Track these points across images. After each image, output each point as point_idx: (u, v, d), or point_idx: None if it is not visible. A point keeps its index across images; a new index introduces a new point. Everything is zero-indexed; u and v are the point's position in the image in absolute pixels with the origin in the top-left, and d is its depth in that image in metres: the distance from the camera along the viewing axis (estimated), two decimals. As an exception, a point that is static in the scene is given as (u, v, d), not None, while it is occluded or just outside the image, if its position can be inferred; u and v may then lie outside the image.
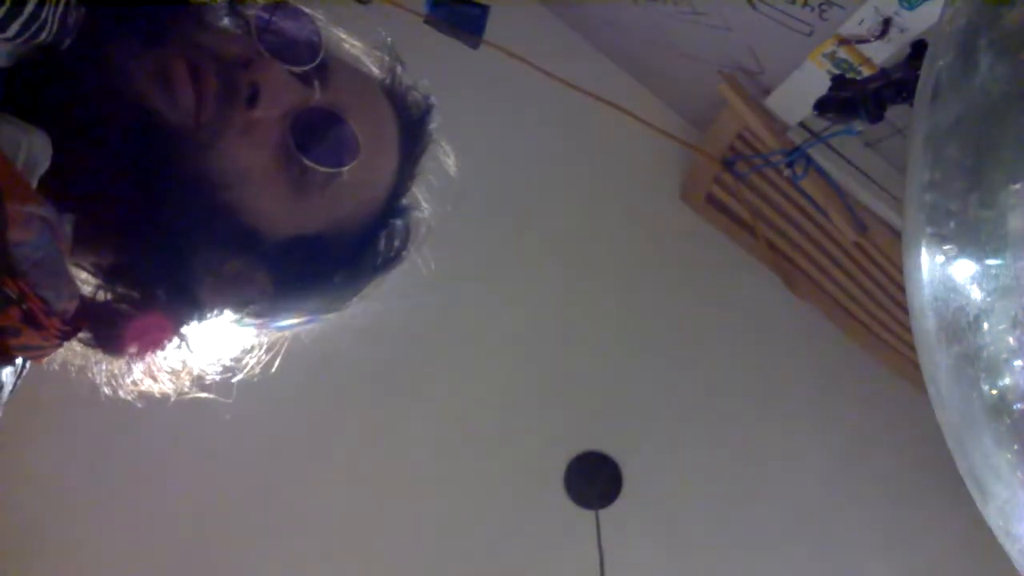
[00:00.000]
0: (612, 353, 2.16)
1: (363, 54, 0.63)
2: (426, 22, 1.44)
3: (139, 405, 0.61)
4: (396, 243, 0.64)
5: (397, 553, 2.14)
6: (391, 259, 0.64)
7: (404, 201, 0.65)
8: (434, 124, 0.66)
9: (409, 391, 2.09)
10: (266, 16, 0.55)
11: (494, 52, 1.51)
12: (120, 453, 1.99)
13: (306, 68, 0.54)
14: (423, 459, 2.13)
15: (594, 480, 2.13)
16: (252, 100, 0.51)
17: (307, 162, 0.53)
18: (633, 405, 2.16)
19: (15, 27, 0.44)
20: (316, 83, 0.54)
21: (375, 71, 0.63)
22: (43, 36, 0.46)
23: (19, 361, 0.47)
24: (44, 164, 0.45)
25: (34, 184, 0.45)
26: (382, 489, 2.14)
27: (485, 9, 1.47)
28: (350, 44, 0.62)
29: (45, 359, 0.50)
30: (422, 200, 0.67)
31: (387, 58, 0.64)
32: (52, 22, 0.46)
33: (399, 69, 0.64)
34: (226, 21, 0.58)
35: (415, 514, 2.13)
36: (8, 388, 0.47)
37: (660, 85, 2.04)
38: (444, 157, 0.68)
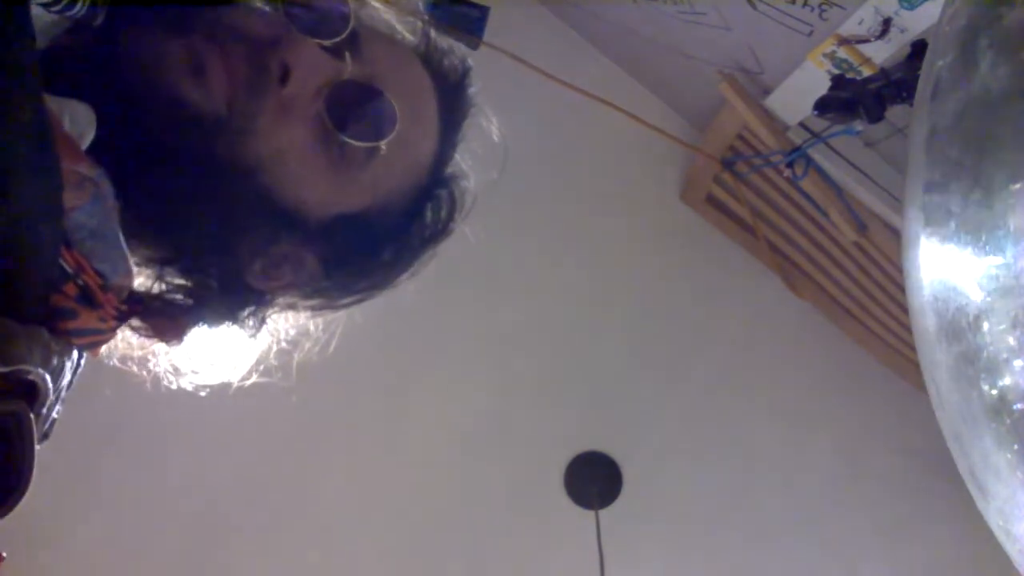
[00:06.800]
0: (612, 353, 2.16)
1: (395, 20, 0.61)
2: (426, 22, 1.43)
3: (202, 394, 0.60)
4: (443, 214, 0.63)
5: (396, 552, 2.14)
6: (439, 231, 0.63)
7: (448, 170, 0.63)
8: (473, 88, 0.64)
9: (409, 390, 2.09)
10: None
11: (494, 52, 1.51)
12: (117, 445, 1.99)
13: (337, 41, 0.52)
14: (423, 458, 2.13)
15: (594, 480, 2.13)
16: (284, 79, 0.49)
17: (345, 138, 0.51)
18: (633, 405, 2.16)
19: None
20: (348, 55, 0.52)
21: (408, 37, 0.61)
22: (78, 6, 0.44)
23: (75, 356, 0.45)
24: (90, 134, 0.43)
25: None
26: (381, 488, 2.14)
27: (485, 10, 1.46)
28: (381, 11, 0.60)
29: (102, 349, 0.49)
30: (466, 168, 0.65)
31: (419, 23, 0.62)
32: None
33: (433, 34, 0.62)
34: None
35: (415, 514, 2.13)
36: (66, 381, 0.44)
37: (660, 85, 2.04)
38: (486, 123, 0.66)
